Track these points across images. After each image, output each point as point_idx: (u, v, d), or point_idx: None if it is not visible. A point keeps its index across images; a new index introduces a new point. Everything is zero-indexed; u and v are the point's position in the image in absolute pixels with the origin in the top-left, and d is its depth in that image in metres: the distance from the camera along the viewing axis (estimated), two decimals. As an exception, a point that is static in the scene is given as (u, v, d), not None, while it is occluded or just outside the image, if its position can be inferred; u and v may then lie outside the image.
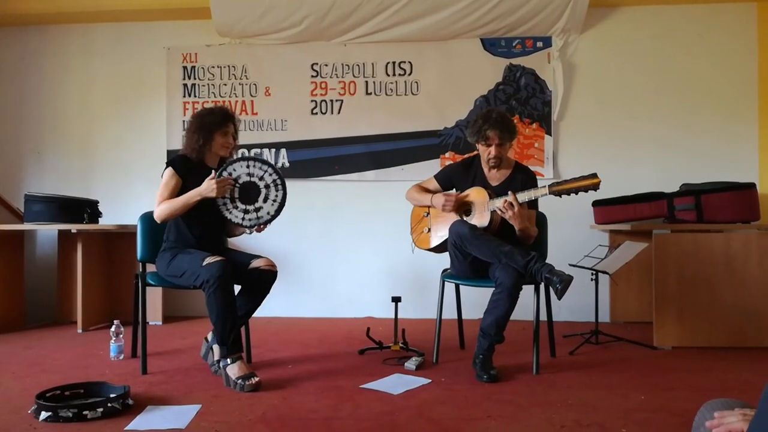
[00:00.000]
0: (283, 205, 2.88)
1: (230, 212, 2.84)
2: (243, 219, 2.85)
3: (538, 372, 2.88)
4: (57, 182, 4.89)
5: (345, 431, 2.09)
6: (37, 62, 4.99)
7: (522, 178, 3.08)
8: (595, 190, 2.78)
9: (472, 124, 3.06)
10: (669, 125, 4.58)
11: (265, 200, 2.85)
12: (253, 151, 4.79)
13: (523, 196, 2.87)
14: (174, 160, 2.89)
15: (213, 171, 2.79)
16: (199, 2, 4.54)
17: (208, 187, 2.74)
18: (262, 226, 2.88)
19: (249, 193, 2.84)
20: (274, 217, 2.87)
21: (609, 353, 3.37)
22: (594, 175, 2.76)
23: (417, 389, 2.61)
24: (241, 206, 2.84)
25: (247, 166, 2.83)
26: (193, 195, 2.76)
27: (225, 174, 2.80)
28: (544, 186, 2.87)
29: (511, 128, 3.02)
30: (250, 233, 2.91)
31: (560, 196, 2.85)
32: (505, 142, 3.01)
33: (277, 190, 2.86)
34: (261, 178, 2.84)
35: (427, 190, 3.28)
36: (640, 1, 4.56)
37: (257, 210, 2.85)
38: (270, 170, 2.85)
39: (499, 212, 2.88)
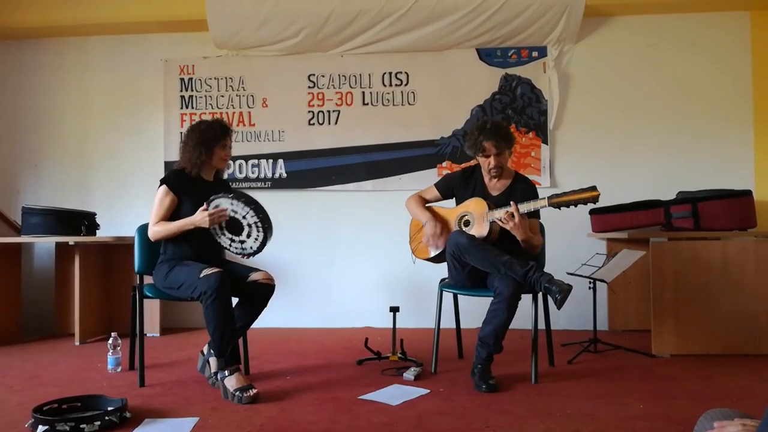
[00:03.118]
0: (265, 244, 2.86)
1: (219, 237, 2.87)
2: (230, 245, 2.89)
3: (537, 381, 2.88)
4: (54, 194, 4.89)
5: (344, 443, 2.08)
6: (33, 75, 5.00)
7: (522, 188, 3.08)
8: (594, 203, 2.78)
9: (468, 137, 3.07)
10: (665, 133, 4.60)
11: (248, 236, 2.85)
12: (250, 162, 4.80)
13: (523, 208, 2.87)
14: (168, 177, 2.90)
15: (205, 203, 2.80)
16: (195, 15, 4.56)
17: (201, 219, 2.77)
18: (246, 257, 2.91)
19: (234, 226, 2.85)
20: (257, 252, 2.88)
21: (607, 362, 3.37)
22: (593, 188, 2.76)
23: (416, 400, 2.60)
24: (228, 235, 2.87)
25: (231, 203, 2.82)
26: (187, 223, 2.80)
27: (212, 206, 2.81)
28: (544, 198, 2.87)
29: (507, 136, 3.02)
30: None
31: (559, 209, 2.85)
32: (503, 151, 3.01)
33: (258, 232, 2.83)
34: (243, 217, 2.82)
35: (426, 201, 3.28)
36: (634, 11, 4.60)
37: (242, 242, 2.87)
38: (252, 212, 2.80)
39: (500, 222, 2.88)
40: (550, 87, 4.65)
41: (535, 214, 3.02)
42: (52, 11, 4.71)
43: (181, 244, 2.87)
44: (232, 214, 2.82)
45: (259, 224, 2.82)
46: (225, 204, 2.81)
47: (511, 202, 2.86)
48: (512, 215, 2.81)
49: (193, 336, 4.36)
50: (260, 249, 2.87)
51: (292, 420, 2.32)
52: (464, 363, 3.33)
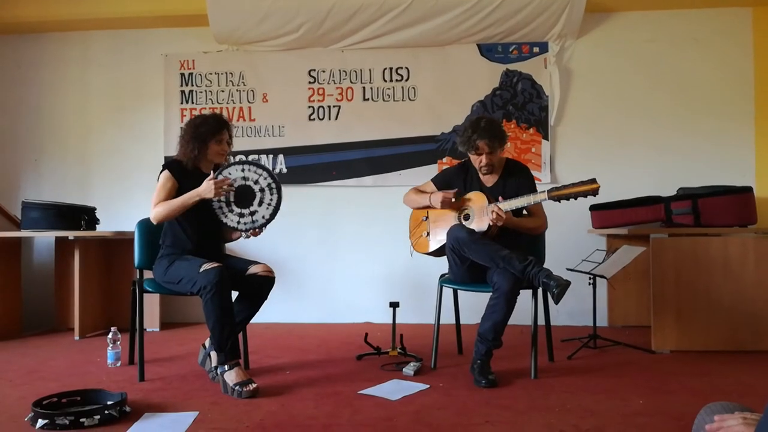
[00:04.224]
0: (278, 208, 2.88)
1: (226, 216, 2.85)
2: (238, 223, 2.86)
3: (537, 377, 2.88)
4: (54, 189, 4.89)
5: (343, 437, 2.08)
6: (34, 70, 4.99)
7: (517, 177, 3.10)
8: (594, 196, 2.78)
9: (462, 133, 3.06)
10: (666, 129, 4.59)
11: (260, 204, 2.86)
12: (250, 157, 4.79)
13: (522, 201, 2.89)
14: (170, 163, 2.91)
15: (211, 171, 2.80)
16: (196, 9, 4.55)
17: (206, 188, 2.74)
18: (257, 230, 2.89)
19: (244, 196, 2.85)
20: (269, 220, 2.88)
21: (607, 357, 3.37)
22: (593, 181, 2.77)
23: (415, 395, 2.60)
24: (237, 210, 2.85)
25: (242, 170, 2.84)
26: (191, 195, 2.76)
27: (221, 177, 2.80)
28: (543, 191, 2.88)
29: (500, 135, 3.01)
30: (247, 237, 2.92)
31: (559, 201, 2.85)
32: (496, 150, 3.01)
33: (272, 194, 2.86)
34: (256, 182, 2.85)
35: (424, 193, 3.29)
36: (635, 7, 4.59)
37: (252, 214, 2.86)
38: (265, 174, 2.86)
39: (491, 223, 2.89)
40: (551, 83, 4.64)
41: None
42: (52, 6, 4.69)
43: (181, 237, 2.87)
44: (242, 182, 2.83)
45: (273, 185, 2.86)
46: (236, 173, 2.83)
47: (489, 206, 2.90)
48: (500, 216, 2.84)
49: (193, 331, 4.36)
50: (273, 215, 2.87)
51: (292, 414, 2.32)
52: (464, 358, 3.33)
